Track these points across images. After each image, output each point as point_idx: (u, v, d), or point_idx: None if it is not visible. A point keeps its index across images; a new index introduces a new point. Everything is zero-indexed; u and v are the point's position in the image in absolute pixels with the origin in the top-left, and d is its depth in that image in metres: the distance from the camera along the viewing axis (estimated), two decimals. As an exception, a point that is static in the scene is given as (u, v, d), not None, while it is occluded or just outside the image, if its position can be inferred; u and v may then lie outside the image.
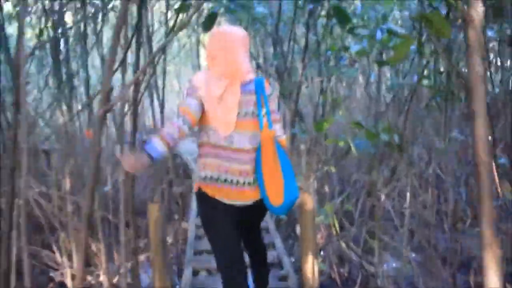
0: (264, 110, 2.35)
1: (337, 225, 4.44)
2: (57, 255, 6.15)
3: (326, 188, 6.27)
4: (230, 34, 2.36)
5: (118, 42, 2.00)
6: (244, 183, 2.32)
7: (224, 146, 2.31)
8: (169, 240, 7.86)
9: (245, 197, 2.34)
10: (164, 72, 9.80)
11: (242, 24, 6.32)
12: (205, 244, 3.37)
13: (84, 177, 8.38)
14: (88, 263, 6.69)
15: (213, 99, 2.28)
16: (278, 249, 4.19)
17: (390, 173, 5.28)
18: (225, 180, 2.31)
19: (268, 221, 4.73)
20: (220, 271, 2.46)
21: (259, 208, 2.38)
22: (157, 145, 2.08)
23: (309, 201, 3.03)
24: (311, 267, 3.08)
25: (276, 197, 2.29)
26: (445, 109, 4.42)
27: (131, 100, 4.02)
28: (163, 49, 5.48)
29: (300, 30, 6.63)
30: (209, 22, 3.57)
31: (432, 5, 3.17)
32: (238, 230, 2.44)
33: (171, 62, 16.00)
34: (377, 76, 6.25)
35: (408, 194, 4.21)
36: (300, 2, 4.53)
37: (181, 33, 12.49)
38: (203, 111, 2.28)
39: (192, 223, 5.16)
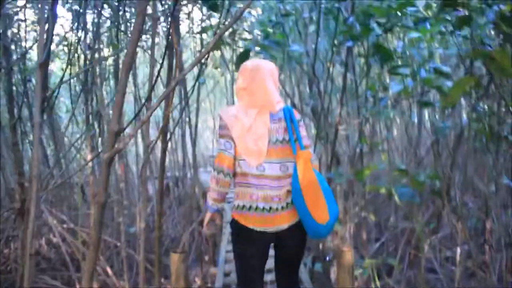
0: (295, 136, 2.41)
1: (377, 281, 4.08)
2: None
3: (363, 235, 5.91)
4: (258, 65, 2.48)
5: (126, 79, 1.83)
6: (277, 209, 2.35)
7: (255, 175, 2.36)
8: (198, 282, 7.59)
9: (278, 223, 2.37)
10: (198, 109, 9.74)
11: (277, 63, 6.21)
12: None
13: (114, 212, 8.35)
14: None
15: (242, 130, 2.35)
16: (312, 302, 3.86)
17: (435, 221, 4.89)
18: (257, 208, 2.35)
19: (302, 271, 4.43)
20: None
21: (295, 232, 2.42)
22: (213, 206, 2.45)
23: (347, 255, 2.74)
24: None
25: (321, 216, 2.32)
26: (495, 152, 4.08)
27: (162, 137, 3.90)
28: (195, 86, 5.42)
29: (336, 69, 6.45)
30: (242, 59, 3.42)
31: (484, 42, 2.93)
32: (265, 257, 2.51)
33: (206, 99, 16.12)
34: (417, 117, 5.95)
35: (458, 249, 3.82)
36: (336, 40, 4.36)
37: (216, 71, 12.56)
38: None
39: (220, 269, 4.88)
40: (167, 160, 12.45)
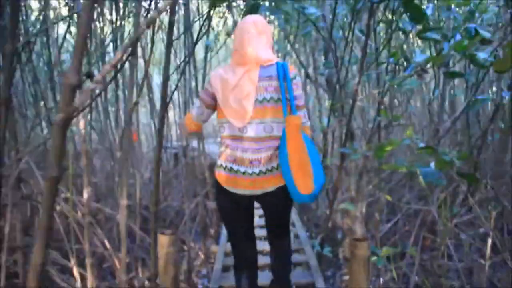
0: (287, 95, 2.30)
1: (394, 273, 3.71)
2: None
3: (376, 215, 5.52)
4: (244, 21, 2.41)
5: (89, 18, 1.42)
6: (252, 173, 2.30)
7: (237, 136, 2.34)
8: (202, 257, 7.31)
9: (255, 187, 2.33)
10: (204, 76, 9.27)
11: (291, 25, 5.72)
12: (232, 279, 2.83)
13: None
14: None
15: (227, 90, 2.31)
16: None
17: (457, 205, 4.47)
18: (231, 169, 2.34)
19: (310, 256, 4.08)
20: (232, 251, 2.68)
21: (277, 197, 2.38)
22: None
23: (363, 247, 2.35)
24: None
25: (306, 186, 2.23)
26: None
27: (161, 98, 3.53)
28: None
29: (355, 36, 5.96)
30: (249, 14, 2.98)
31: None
32: (248, 218, 2.57)
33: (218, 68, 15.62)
34: (441, 90, 5.46)
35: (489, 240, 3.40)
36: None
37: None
38: (216, 104, 2.40)
39: (221, 248, 4.55)
40: (174, 129, 12.21)
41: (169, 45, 3.43)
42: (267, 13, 5.56)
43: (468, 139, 4.18)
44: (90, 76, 2.02)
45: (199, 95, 2.50)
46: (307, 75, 7.16)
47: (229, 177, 2.36)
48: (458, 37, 2.91)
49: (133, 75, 3.05)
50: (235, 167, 2.34)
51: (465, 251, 4.38)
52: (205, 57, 7.91)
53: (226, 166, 2.37)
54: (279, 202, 2.44)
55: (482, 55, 3.16)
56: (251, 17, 2.45)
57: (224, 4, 6.80)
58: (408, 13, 2.79)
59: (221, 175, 2.40)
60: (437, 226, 4.84)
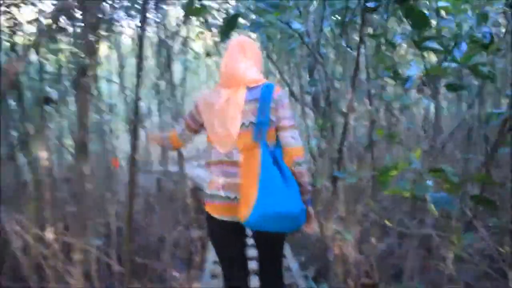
0: (262, 118, 2.21)
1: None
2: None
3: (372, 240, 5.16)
4: (230, 41, 2.46)
5: None
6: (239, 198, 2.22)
7: (223, 161, 2.29)
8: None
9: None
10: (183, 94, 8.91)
11: (274, 42, 5.42)
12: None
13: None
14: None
15: (212, 113, 2.30)
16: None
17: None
18: (221, 197, 2.28)
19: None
20: (223, 281, 2.55)
21: None
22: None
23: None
24: None
25: (243, 210, 2.14)
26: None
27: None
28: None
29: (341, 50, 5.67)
30: (229, 28, 2.65)
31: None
32: (239, 247, 2.48)
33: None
34: (435, 105, 5.18)
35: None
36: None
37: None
38: (199, 127, 2.45)
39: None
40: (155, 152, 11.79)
41: (140, 62, 3.10)
42: (248, 31, 5.27)
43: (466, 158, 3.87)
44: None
45: (183, 116, 2.54)
46: (291, 94, 6.86)
47: (221, 205, 2.31)
48: (464, 46, 2.61)
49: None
50: (225, 194, 2.28)
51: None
52: (184, 77, 7.60)
53: (217, 195, 2.30)
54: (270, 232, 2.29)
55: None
56: (238, 38, 2.48)
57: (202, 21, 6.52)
58: (409, 19, 2.49)
59: (211, 205, 2.35)
60: (434, 246, 4.51)
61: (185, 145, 2.64)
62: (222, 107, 2.27)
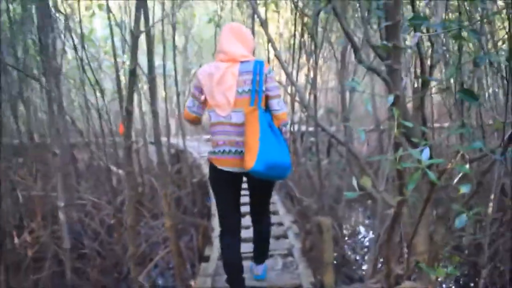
0: (257, 88, 2.71)
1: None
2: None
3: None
4: (224, 27, 2.96)
5: None
6: (241, 152, 2.74)
7: (223, 122, 2.78)
8: None
9: (243, 165, 2.70)
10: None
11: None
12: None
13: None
14: None
15: (212, 84, 2.75)
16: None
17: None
18: (223, 151, 2.79)
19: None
20: (219, 221, 3.08)
21: None
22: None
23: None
24: None
25: (248, 162, 2.63)
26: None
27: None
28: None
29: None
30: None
31: None
32: (236, 193, 3.00)
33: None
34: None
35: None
36: None
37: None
38: (204, 96, 2.84)
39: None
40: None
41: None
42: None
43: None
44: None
45: (191, 91, 2.94)
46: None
47: (222, 159, 2.80)
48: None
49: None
50: (226, 149, 2.79)
51: None
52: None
53: (218, 151, 2.81)
54: (262, 180, 2.81)
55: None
56: (229, 25, 2.99)
57: None
58: (462, 95, 2.40)
59: (215, 159, 2.84)
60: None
61: (200, 118, 3.02)
62: (221, 78, 2.74)
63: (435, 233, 4.17)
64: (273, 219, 4.94)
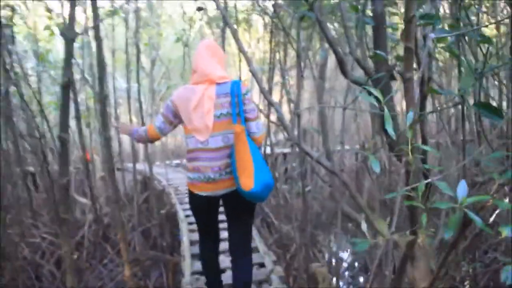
0: (237, 110, 2.67)
1: None
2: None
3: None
4: (198, 45, 2.90)
5: None
6: (215, 178, 2.73)
7: (200, 149, 2.74)
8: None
9: (218, 188, 2.76)
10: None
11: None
12: None
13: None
14: None
15: (189, 108, 2.69)
16: None
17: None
18: (201, 178, 2.76)
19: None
20: (198, 234, 3.14)
21: (237, 196, 2.74)
22: (135, 133, 2.95)
23: None
24: None
25: (246, 183, 2.60)
26: None
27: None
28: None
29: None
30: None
31: None
32: (214, 215, 3.00)
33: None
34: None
35: None
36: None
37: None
38: (180, 121, 2.81)
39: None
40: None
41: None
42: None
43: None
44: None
45: (161, 112, 2.82)
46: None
47: (200, 184, 2.77)
48: None
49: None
50: (205, 175, 2.74)
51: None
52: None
53: (196, 177, 2.77)
54: (238, 200, 2.76)
55: None
56: (204, 42, 2.91)
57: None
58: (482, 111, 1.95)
59: (192, 185, 2.82)
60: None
61: (162, 138, 2.97)
62: (198, 102, 2.66)
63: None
64: (254, 258, 4.34)
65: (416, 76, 2.45)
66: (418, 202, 2.07)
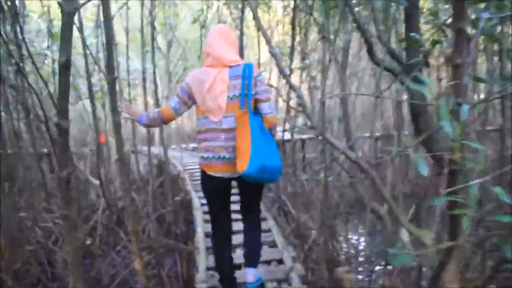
0: (246, 92, 2.73)
1: None
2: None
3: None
4: (212, 29, 2.98)
5: None
6: (230, 158, 2.79)
7: (213, 129, 2.81)
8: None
9: (233, 170, 2.80)
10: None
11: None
12: None
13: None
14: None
15: (203, 92, 2.76)
16: None
17: None
18: (213, 157, 2.82)
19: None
20: (211, 224, 3.17)
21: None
22: (144, 117, 2.98)
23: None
24: None
25: (240, 165, 2.68)
26: None
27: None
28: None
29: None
30: None
31: None
32: (226, 197, 3.05)
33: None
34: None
35: None
36: None
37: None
38: (194, 102, 2.88)
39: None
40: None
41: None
42: None
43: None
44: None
45: (177, 93, 2.90)
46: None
47: (213, 165, 2.82)
48: None
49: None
50: (216, 155, 2.80)
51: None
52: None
53: (207, 157, 2.82)
54: (251, 183, 2.81)
55: None
56: (217, 26, 2.98)
57: None
58: None
59: (205, 165, 2.86)
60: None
61: (176, 118, 3.02)
62: (211, 84, 2.73)
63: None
64: (272, 253, 4.11)
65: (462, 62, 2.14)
66: (464, 207, 1.80)
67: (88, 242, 7.31)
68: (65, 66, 2.00)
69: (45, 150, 9.70)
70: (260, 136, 2.72)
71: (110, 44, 3.20)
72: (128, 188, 4.16)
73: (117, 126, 3.33)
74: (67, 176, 2.07)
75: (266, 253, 4.04)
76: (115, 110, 3.23)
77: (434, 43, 2.92)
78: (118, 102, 3.16)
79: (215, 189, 2.96)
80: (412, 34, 3.19)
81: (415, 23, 3.68)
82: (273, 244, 4.36)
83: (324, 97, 3.06)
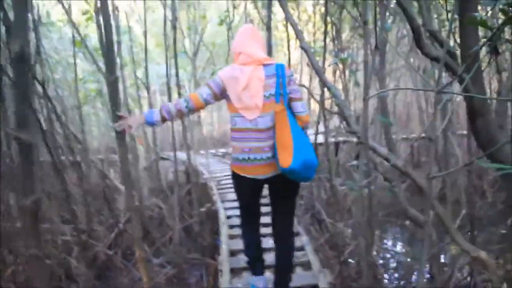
0: (281, 91, 2.73)
1: None
2: None
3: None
4: (241, 28, 2.98)
5: None
6: (264, 158, 2.76)
7: (249, 128, 2.75)
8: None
9: (267, 172, 2.79)
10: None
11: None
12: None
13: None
14: None
15: (238, 87, 2.72)
16: None
17: None
18: (248, 159, 2.77)
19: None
20: (241, 215, 3.18)
21: (283, 178, 2.74)
22: (154, 114, 2.80)
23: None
24: None
25: (284, 160, 2.62)
26: None
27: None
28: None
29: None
30: None
31: None
32: (257, 197, 3.01)
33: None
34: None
35: None
36: None
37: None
38: (223, 97, 2.83)
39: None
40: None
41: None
42: None
43: None
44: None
45: (209, 85, 2.81)
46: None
47: (247, 166, 2.79)
48: None
49: None
50: (252, 156, 2.77)
51: None
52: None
53: (243, 158, 2.79)
54: (284, 183, 2.78)
55: None
56: (246, 26, 3.05)
57: None
58: None
59: (239, 167, 2.83)
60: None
61: (204, 108, 2.95)
62: (247, 82, 2.72)
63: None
64: (305, 278, 3.58)
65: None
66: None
67: (110, 252, 6.94)
68: (19, 58, 1.54)
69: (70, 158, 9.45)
70: (300, 132, 2.71)
71: (110, 42, 2.79)
72: (134, 209, 3.72)
73: (120, 139, 2.94)
74: (34, 206, 1.59)
75: (298, 278, 3.53)
76: (115, 114, 2.80)
77: (509, 20, 2.07)
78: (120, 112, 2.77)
79: (247, 190, 2.93)
80: (472, 14, 2.62)
81: (472, 5, 3.10)
82: (307, 266, 3.84)
83: (367, 95, 2.51)
